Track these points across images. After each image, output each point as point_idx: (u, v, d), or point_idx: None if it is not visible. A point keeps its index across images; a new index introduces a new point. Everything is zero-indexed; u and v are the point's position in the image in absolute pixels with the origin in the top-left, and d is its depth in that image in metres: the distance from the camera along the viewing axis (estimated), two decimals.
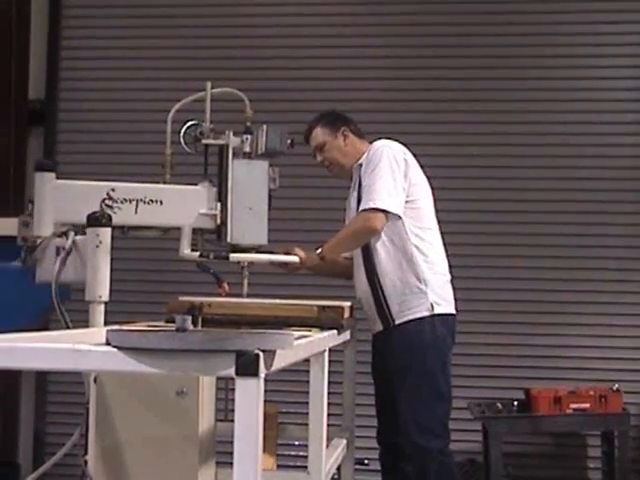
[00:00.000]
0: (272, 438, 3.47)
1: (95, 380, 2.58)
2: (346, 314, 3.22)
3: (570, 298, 5.25)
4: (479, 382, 5.12)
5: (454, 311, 3.51)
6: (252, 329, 2.48)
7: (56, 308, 2.86)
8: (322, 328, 2.90)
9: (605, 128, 5.32)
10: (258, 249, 3.07)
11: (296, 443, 4.14)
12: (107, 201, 2.94)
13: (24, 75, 5.68)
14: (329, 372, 2.87)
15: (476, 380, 5.10)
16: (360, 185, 3.51)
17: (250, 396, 1.72)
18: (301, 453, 3.52)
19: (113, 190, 2.97)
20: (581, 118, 5.34)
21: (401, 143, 3.59)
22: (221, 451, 2.72)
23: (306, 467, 2.82)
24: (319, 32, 5.54)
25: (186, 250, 3.02)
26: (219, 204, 2.99)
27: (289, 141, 3.10)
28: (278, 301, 3.17)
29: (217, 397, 2.80)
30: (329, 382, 2.88)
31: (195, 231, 3.03)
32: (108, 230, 2.82)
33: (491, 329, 5.21)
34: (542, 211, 5.33)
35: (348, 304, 3.31)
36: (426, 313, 3.41)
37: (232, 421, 1.74)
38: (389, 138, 3.62)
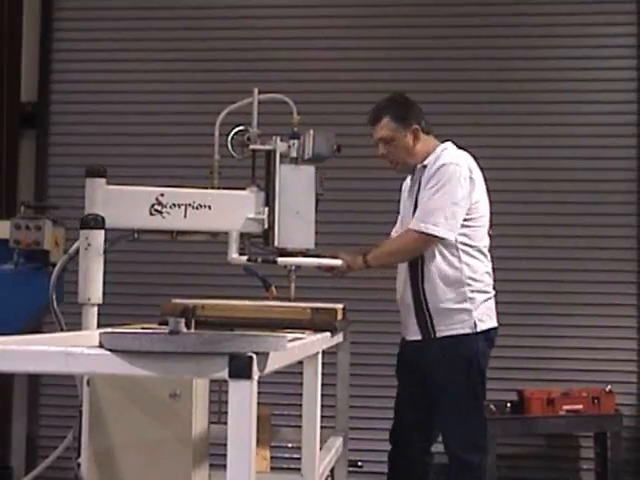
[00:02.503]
0: (265, 440, 3.47)
1: (88, 383, 2.58)
2: (339, 316, 3.23)
3: (562, 299, 5.26)
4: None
5: (496, 324, 3.51)
6: (245, 331, 2.48)
7: (53, 310, 2.86)
8: (315, 330, 2.90)
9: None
10: (305, 253, 3.08)
11: (289, 445, 4.12)
12: (156, 206, 2.95)
13: (16, 78, 5.67)
14: (322, 374, 2.88)
15: None
16: (419, 188, 3.47)
17: (243, 398, 1.72)
18: (295, 455, 3.51)
19: (162, 195, 2.97)
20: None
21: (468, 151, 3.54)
22: (214, 453, 2.72)
23: (300, 469, 2.82)
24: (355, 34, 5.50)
25: (234, 254, 3.03)
26: (266, 208, 3.00)
27: (336, 146, 3.09)
28: (271, 303, 3.17)
29: (210, 399, 2.80)
30: (322, 384, 2.88)
31: (242, 235, 3.05)
32: (99, 233, 2.82)
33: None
34: (536, 212, 5.34)
35: (341, 306, 3.32)
36: (469, 330, 3.40)
37: (225, 423, 1.74)
38: (454, 142, 3.56)
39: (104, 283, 2.86)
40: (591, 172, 5.30)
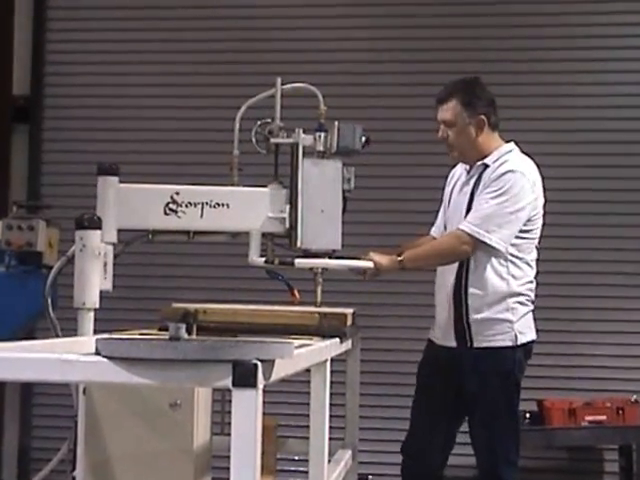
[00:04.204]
0: (271, 453, 3.47)
1: (84, 392, 2.58)
2: (349, 321, 3.22)
3: (585, 304, 5.25)
4: None
5: (535, 336, 3.52)
6: (250, 337, 2.48)
7: (48, 316, 2.86)
8: (324, 336, 2.91)
9: None
10: (331, 254, 3.04)
11: (296, 458, 4.14)
12: (171, 205, 2.94)
13: (8, 70, 5.67)
14: (331, 383, 2.87)
15: None
16: (477, 188, 3.44)
17: (248, 408, 1.72)
18: (301, 468, 3.51)
19: (177, 193, 2.96)
20: None
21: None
22: (217, 466, 2.72)
23: None
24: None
25: (255, 256, 3.00)
26: (288, 206, 2.97)
27: (364, 138, 3.06)
28: (277, 308, 3.18)
29: (213, 409, 2.80)
30: (331, 394, 2.88)
31: (265, 236, 3.02)
32: (94, 233, 2.82)
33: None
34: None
35: (350, 311, 3.32)
36: (509, 343, 3.41)
37: (229, 435, 1.74)
38: (517, 143, 3.55)
39: (114, 287, 2.87)
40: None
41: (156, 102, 5.62)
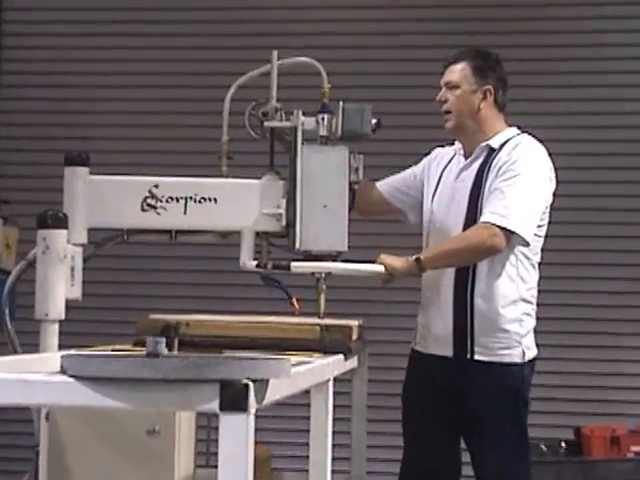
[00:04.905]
0: None
1: (47, 417, 2.59)
2: (354, 335, 3.23)
3: (630, 315, 5.27)
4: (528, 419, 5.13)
5: (537, 350, 3.55)
6: (240, 354, 2.48)
7: (5, 328, 2.87)
8: (325, 352, 2.91)
9: None
10: (336, 257, 3.03)
11: None
12: (149, 200, 2.94)
13: None
14: (334, 407, 2.87)
15: None
16: (483, 174, 3.43)
17: (237, 436, 1.73)
18: None
19: (156, 186, 2.95)
20: None
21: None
22: None
23: None
24: None
25: (247, 259, 2.97)
26: (285, 201, 2.96)
27: (374, 121, 3.04)
28: (273, 319, 3.18)
29: (197, 437, 2.81)
30: (334, 419, 2.88)
31: (259, 235, 3.00)
32: (59, 233, 2.83)
33: (545, 354, 5.18)
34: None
35: (356, 323, 3.32)
36: (517, 360, 3.43)
37: (215, 467, 1.75)
38: (524, 130, 3.55)
39: (83, 295, 2.88)
40: None
41: (131, 80, 5.64)
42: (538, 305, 3.48)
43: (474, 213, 3.41)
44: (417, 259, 3.33)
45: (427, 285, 3.55)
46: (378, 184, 3.67)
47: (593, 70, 5.49)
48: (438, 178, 3.59)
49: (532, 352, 3.48)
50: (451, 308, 3.44)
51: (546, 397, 5.20)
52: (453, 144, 3.63)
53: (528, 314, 3.47)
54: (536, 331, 3.48)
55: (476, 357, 3.42)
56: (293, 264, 2.98)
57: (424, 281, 3.55)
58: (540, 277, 3.46)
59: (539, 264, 3.46)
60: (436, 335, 3.49)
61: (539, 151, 3.48)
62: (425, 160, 3.69)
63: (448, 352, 3.46)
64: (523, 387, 3.47)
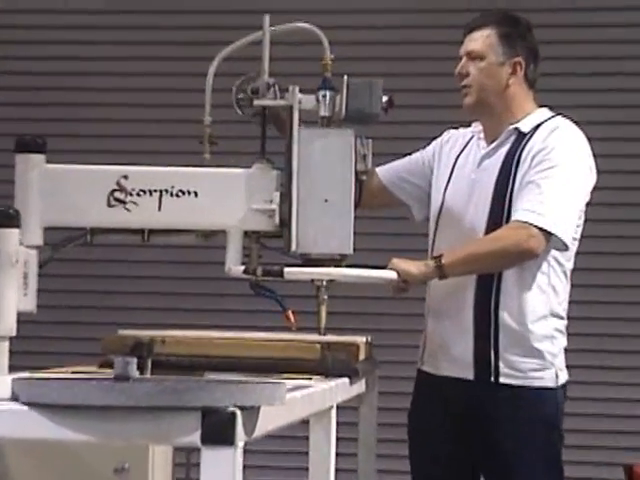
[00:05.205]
0: None
1: None
2: (362, 354, 3.23)
3: None
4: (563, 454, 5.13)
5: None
6: (226, 377, 2.49)
7: None
8: (327, 375, 2.91)
9: None
10: (339, 262, 3.00)
11: None
12: (117, 193, 2.91)
13: None
14: (338, 439, 2.88)
15: None
16: (512, 162, 3.43)
17: (222, 474, 1.73)
18: None
19: (126, 177, 2.92)
20: None
21: None
22: None
23: None
24: None
25: (233, 264, 2.94)
26: (279, 194, 2.94)
27: (385, 99, 3.02)
28: (265, 335, 3.18)
29: (174, 476, 2.81)
30: (337, 453, 2.89)
31: (248, 236, 2.98)
32: (10, 233, 2.82)
33: (579, 376, 5.18)
34: None
35: (364, 340, 3.32)
36: (550, 384, 3.45)
37: None
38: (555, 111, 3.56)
39: (39, 307, 2.87)
40: None
41: (94, 51, 5.65)
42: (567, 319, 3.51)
43: (500, 210, 3.42)
44: (438, 264, 3.33)
45: (438, 294, 3.53)
46: (378, 170, 3.64)
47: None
48: (452, 166, 3.59)
49: (565, 375, 3.50)
50: (471, 322, 3.45)
51: (592, 430, 5.20)
52: (469, 126, 3.63)
53: (560, 330, 3.48)
54: (566, 350, 3.50)
55: (502, 380, 3.43)
56: (287, 270, 2.96)
57: (433, 289, 3.54)
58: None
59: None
60: (452, 354, 3.49)
61: (579, 137, 3.48)
62: (435, 143, 3.68)
63: (467, 374, 3.46)
64: (557, 416, 3.49)
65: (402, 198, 3.67)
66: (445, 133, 3.68)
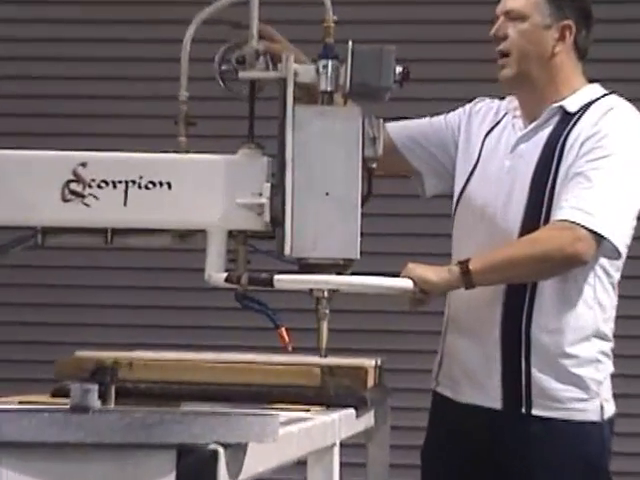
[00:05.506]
0: None
1: None
2: (370, 380, 3.23)
3: None
4: None
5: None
6: (206, 407, 2.47)
7: None
8: (329, 405, 2.92)
9: None
10: (343, 268, 2.99)
11: None
12: (74, 185, 2.91)
13: None
14: None
15: None
16: (559, 148, 3.42)
17: None
18: None
19: (84, 165, 2.92)
20: None
21: None
22: None
23: None
24: None
25: (215, 270, 2.94)
26: (269, 186, 2.95)
27: (399, 70, 3.00)
28: (254, 357, 3.19)
29: None
30: None
31: (233, 236, 2.98)
32: None
33: (628, 408, 5.17)
34: None
35: (373, 363, 3.32)
36: (594, 417, 3.44)
37: None
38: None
39: None
40: None
41: (45, 11, 5.66)
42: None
43: (539, 206, 3.43)
44: (464, 270, 3.31)
45: (460, 306, 3.55)
46: (389, 126, 3.55)
47: None
48: (480, 145, 3.59)
49: (611, 406, 3.50)
50: (498, 341, 3.46)
51: (633, 471, 5.23)
52: (503, 99, 3.61)
53: (606, 354, 3.49)
54: (612, 376, 3.51)
55: (535, 412, 3.44)
56: (278, 278, 2.94)
57: (454, 300, 3.55)
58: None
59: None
60: (475, 377, 3.50)
61: (638, 121, 3.48)
62: (462, 112, 3.68)
63: (493, 402, 3.47)
64: (602, 456, 3.49)
65: (414, 164, 3.64)
66: (477, 102, 3.67)
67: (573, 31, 3.48)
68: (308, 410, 2.79)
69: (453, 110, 3.68)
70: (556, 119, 3.47)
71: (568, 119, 3.45)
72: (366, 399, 3.10)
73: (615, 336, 3.54)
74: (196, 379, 3.02)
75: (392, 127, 3.60)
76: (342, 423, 2.88)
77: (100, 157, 2.98)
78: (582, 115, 3.44)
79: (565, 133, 3.43)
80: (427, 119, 3.69)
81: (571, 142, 3.41)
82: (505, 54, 3.47)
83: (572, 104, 3.46)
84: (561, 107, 3.46)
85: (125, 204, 2.94)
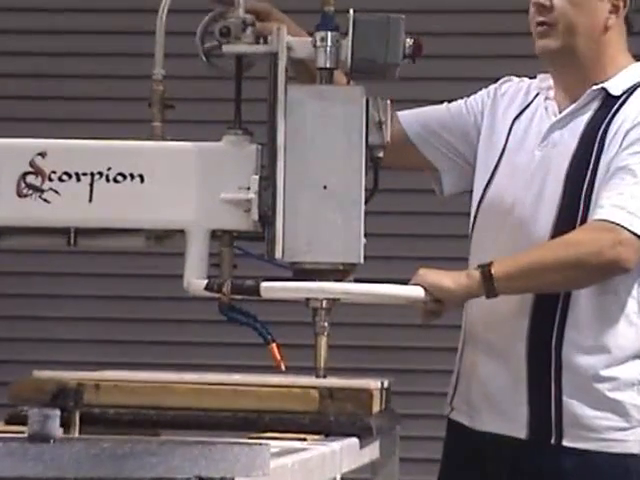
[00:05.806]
0: None
1: None
2: (376, 405, 3.25)
3: None
4: None
5: None
6: (187, 437, 2.50)
7: None
8: (328, 434, 2.94)
9: None
10: (343, 274, 3.03)
11: None
12: (31, 178, 2.95)
13: None
14: None
15: None
16: (599, 137, 3.43)
17: None
18: None
19: (43, 155, 2.96)
20: None
21: None
22: None
23: None
24: None
25: (194, 276, 2.97)
26: (257, 179, 2.95)
27: (410, 42, 3.01)
28: (241, 378, 3.21)
29: None
30: None
31: (217, 237, 3.01)
32: None
33: None
34: None
35: (379, 384, 3.34)
36: (634, 449, 3.47)
37: None
38: None
39: None
40: None
41: None
42: None
43: (575, 203, 3.44)
44: (486, 274, 3.32)
45: (479, 318, 3.56)
46: (400, 114, 3.60)
47: None
48: (507, 133, 3.60)
49: None
50: (524, 361, 3.48)
51: None
52: (534, 78, 3.62)
53: None
54: None
55: (566, 442, 3.46)
56: (265, 285, 2.97)
57: (472, 311, 3.57)
58: None
59: None
60: (496, 402, 3.52)
61: None
62: (486, 93, 3.69)
63: (518, 431, 3.50)
64: None
65: (429, 157, 3.64)
66: (502, 83, 3.67)
67: (627, 5, 3.50)
68: (304, 439, 2.81)
69: (475, 92, 3.69)
70: (597, 103, 3.49)
71: (611, 103, 3.46)
72: (371, 427, 3.12)
73: None
74: (174, 404, 3.04)
75: (403, 115, 3.61)
76: (343, 454, 2.90)
77: (61, 145, 3.01)
78: (627, 99, 3.46)
79: (607, 120, 3.45)
80: (444, 105, 3.69)
81: (614, 131, 3.42)
82: (548, 24, 3.45)
83: (616, 86, 3.47)
84: (603, 89, 3.47)
85: (90, 200, 2.96)
